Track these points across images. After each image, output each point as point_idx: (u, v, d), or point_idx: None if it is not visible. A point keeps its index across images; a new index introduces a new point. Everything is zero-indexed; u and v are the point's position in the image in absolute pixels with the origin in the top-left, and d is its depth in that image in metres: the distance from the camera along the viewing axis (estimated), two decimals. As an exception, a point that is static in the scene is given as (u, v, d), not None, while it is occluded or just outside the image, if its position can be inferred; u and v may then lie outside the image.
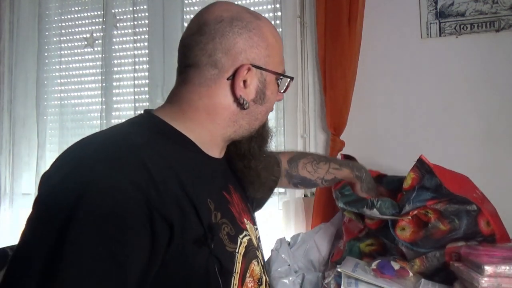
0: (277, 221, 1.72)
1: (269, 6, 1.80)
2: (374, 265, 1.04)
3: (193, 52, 0.74)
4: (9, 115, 2.07)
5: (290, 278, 1.15)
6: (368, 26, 1.62)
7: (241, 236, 0.73)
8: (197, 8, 1.90)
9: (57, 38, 2.08)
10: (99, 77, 1.97)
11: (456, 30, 1.57)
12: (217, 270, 0.63)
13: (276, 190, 1.70)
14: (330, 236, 1.34)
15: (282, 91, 0.83)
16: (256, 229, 0.86)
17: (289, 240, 1.36)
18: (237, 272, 0.68)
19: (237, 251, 0.70)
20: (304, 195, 1.72)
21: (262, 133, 0.84)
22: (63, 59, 2.07)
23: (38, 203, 0.58)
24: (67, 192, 0.56)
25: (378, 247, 1.18)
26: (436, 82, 1.59)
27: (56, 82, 2.08)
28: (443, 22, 1.59)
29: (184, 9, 1.89)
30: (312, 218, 1.61)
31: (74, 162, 0.60)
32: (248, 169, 0.84)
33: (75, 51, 2.06)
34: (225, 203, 0.75)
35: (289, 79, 0.82)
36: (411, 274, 1.04)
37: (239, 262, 0.69)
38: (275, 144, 1.75)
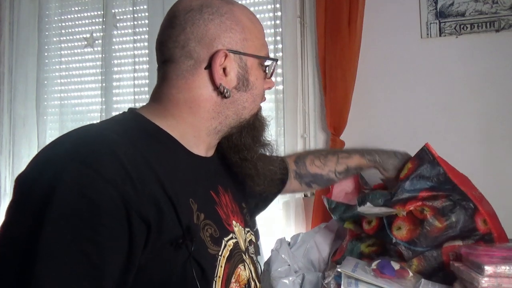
0: (277, 221, 1.72)
1: (269, 6, 1.80)
2: (374, 265, 1.04)
3: (167, 46, 0.72)
4: (9, 115, 2.07)
5: (290, 278, 1.15)
6: (368, 26, 1.62)
7: (226, 239, 0.70)
8: (197, 8, 1.90)
9: (57, 38, 2.09)
10: (99, 77, 1.97)
11: (456, 30, 1.57)
12: (195, 274, 0.60)
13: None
14: (330, 236, 1.34)
15: (269, 76, 0.80)
16: (248, 231, 0.82)
17: (289, 240, 1.36)
18: (219, 276, 0.65)
19: (220, 254, 0.66)
20: (304, 195, 1.72)
21: (254, 123, 0.79)
22: (63, 59, 2.07)
23: (12, 205, 0.56)
24: (39, 193, 0.54)
25: (378, 248, 1.18)
26: (436, 82, 1.59)
27: (56, 82, 2.08)
28: (443, 22, 1.59)
29: (184, 9, 1.89)
30: (312, 218, 1.61)
31: (47, 162, 0.58)
32: (244, 161, 0.80)
33: (75, 51, 2.06)
34: (211, 204, 0.72)
35: (274, 62, 0.79)
36: (411, 274, 1.04)
37: (221, 266, 0.66)
38: (275, 145, 1.75)
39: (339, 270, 1.01)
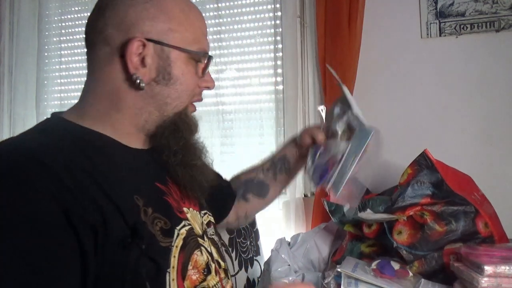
0: (277, 221, 1.72)
1: (269, 6, 1.80)
2: (374, 265, 1.04)
3: (87, 33, 0.68)
4: (9, 115, 2.08)
5: (290, 278, 1.15)
6: (368, 26, 1.62)
7: (178, 228, 0.67)
8: (197, 8, 1.91)
9: (57, 38, 2.09)
10: (99, 77, 1.97)
11: (456, 30, 1.57)
12: (148, 271, 0.59)
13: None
14: (330, 236, 1.34)
15: (201, 73, 0.72)
16: (205, 214, 0.80)
17: (289, 240, 1.36)
18: (173, 267, 0.63)
19: (173, 244, 0.64)
20: (304, 195, 1.72)
21: (177, 123, 0.72)
22: (63, 59, 2.07)
23: None
24: None
25: (378, 248, 1.18)
26: (436, 82, 1.59)
27: (56, 82, 2.08)
28: (443, 22, 1.59)
29: (184, 9, 1.89)
30: (312, 218, 1.61)
31: None
32: (165, 164, 0.73)
33: (75, 51, 2.06)
34: (159, 195, 0.69)
35: (208, 59, 0.72)
36: (411, 274, 1.04)
37: (175, 256, 0.63)
38: (276, 145, 1.75)
39: (339, 270, 1.01)
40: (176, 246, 0.65)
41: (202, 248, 0.71)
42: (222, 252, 0.79)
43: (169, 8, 0.68)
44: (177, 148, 0.72)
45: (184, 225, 0.69)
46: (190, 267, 0.66)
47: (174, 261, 0.63)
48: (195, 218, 0.74)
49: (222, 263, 0.77)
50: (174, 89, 0.69)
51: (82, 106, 0.70)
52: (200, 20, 0.73)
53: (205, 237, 0.74)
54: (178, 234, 0.66)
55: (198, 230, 0.73)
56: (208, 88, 0.76)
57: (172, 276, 0.62)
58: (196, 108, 0.77)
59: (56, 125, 0.68)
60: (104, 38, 0.67)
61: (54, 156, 0.57)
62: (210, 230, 0.79)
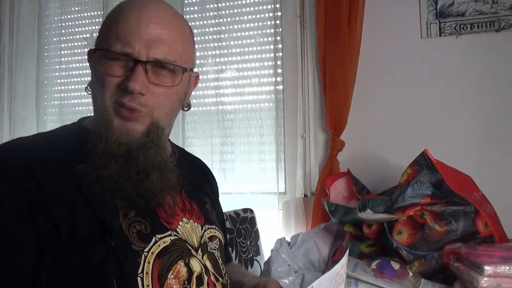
0: (277, 221, 1.72)
1: (269, 6, 1.80)
2: (374, 265, 1.04)
3: None
4: (9, 115, 2.08)
5: (290, 278, 1.15)
6: (368, 26, 1.63)
7: (159, 236, 0.68)
8: (197, 8, 1.91)
9: (57, 38, 2.09)
10: (99, 77, 1.97)
11: (456, 30, 1.57)
12: (112, 269, 0.61)
13: (276, 189, 1.74)
14: (330, 236, 1.34)
15: (104, 68, 0.68)
16: (209, 228, 0.80)
17: (289, 240, 1.36)
18: (147, 273, 0.64)
19: (146, 250, 0.65)
20: (304, 195, 1.72)
21: (99, 132, 0.67)
22: (63, 59, 2.07)
23: None
24: None
25: (378, 248, 1.18)
26: (436, 82, 1.59)
27: (56, 82, 2.08)
28: (443, 22, 1.59)
29: (184, 9, 1.89)
30: (312, 218, 1.61)
31: None
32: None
33: (75, 51, 2.07)
34: (147, 203, 0.68)
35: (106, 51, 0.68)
36: (411, 274, 1.04)
37: (149, 262, 0.65)
38: (276, 145, 1.75)
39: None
40: (152, 253, 0.66)
41: (194, 259, 0.71)
42: (220, 268, 0.78)
43: (104, 21, 0.72)
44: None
45: (170, 235, 0.70)
46: (171, 275, 0.67)
47: (148, 266, 0.64)
48: (194, 231, 0.75)
49: (220, 279, 0.76)
50: (94, 90, 0.71)
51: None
52: (131, 20, 0.67)
53: (200, 250, 0.74)
54: (156, 241, 0.67)
55: (195, 242, 0.74)
56: (127, 88, 0.66)
57: (146, 282, 0.63)
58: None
59: (69, 126, 0.74)
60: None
61: (40, 154, 0.63)
62: (212, 245, 0.79)
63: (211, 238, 0.80)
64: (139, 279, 0.63)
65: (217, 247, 0.80)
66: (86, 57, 0.75)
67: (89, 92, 0.72)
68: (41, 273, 0.59)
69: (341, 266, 0.75)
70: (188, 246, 0.72)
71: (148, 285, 0.63)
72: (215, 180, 0.96)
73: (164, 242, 0.68)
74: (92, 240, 0.61)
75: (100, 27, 0.72)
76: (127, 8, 0.69)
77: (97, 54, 0.69)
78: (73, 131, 0.72)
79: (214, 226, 0.82)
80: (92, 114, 0.74)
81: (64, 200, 0.61)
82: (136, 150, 0.67)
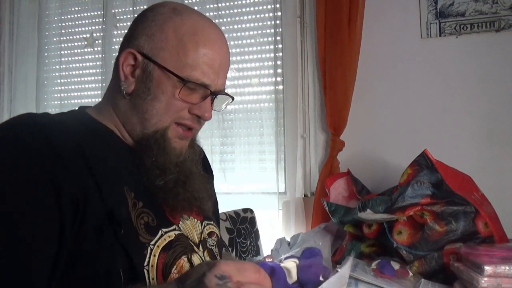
0: (277, 221, 1.72)
1: (269, 6, 1.80)
2: (374, 265, 1.03)
3: None
4: (9, 115, 2.07)
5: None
6: (368, 26, 1.63)
7: (164, 230, 0.68)
8: (197, 8, 1.90)
9: (57, 38, 2.09)
10: (99, 77, 1.98)
11: (456, 30, 1.57)
12: (120, 260, 0.60)
13: (276, 189, 1.74)
14: (330, 236, 1.34)
15: (178, 94, 0.70)
16: (208, 224, 0.80)
17: (289, 240, 1.36)
18: (152, 266, 0.64)
19: (152, 243, 0.65)
20: (304, 195, 1.72)
21: (150, 143, 0.71)
22: (63, 59, 2.07)
23: None
24: None
25: (378, 248, 1.18)
26: (436, 82, 1.59)
27: (56, 82, 2.08)
28: (443, 22, 1.59)
29: (184, 9, 1.89)
30: (312, 218, 1.61)
31: None
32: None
33: (75, 51, 2.07)
34: (153, 196, 0.70)
35: (201, 89, 0.71)
36: (411, 274, 1.04)
37: (154, 255, 0.64)
38: (276, 145, 1.75)
39: (339, 270, 1.01)
40: (158, 246, 0.66)
41: (196, 255, 0.72)
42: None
43: (167, 31, 0.70)
44: (148, 166, 0.71)
45: (174, 229, 0.70)
46: (174, 270, 0.67)
47: (154, 259, 0.64)
48: (194, 226, 0.76)
49: None
50: (151, 105, 0.70)
51: (100, 103, 0.77)
52: (209, 51, 0.71)
53: (201, 246, 0.75)
54: (162, 235, 0.67)
55: (195, 238, 0.75)
56: (200, 117, 0.73)
57: (151, 275, 0.63)
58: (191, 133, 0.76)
59: (76, 113, 0.74)
60: (121, 45, 0.74)
61: (57, 132, 0.62)
62: (211, 241, 0.80)
63: (210, 234, 0.81)
64: (145, 271, 0.63)
65: (215, 243, 0.81)
66: (124, 55, 0.71)
67: (125, 94, 0.71)
68: (61, 258, 0.58)
69: (348, 268, 0.76)
70: (190, 242, 0.73)
71: (153, 278, 0.64)
72: (210, 168, 0.94)
73: (169, 236, 0.69)
74: (100, 229, 0.60)
75: (161, 34, 0.70)
76: (206, 39, 0.71)
77: (169, 75, 0.69)
78: (82, 118, 0.72)
79: (212, 222, 0.83)
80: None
81: (81, 184, 0.60)
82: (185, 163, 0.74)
